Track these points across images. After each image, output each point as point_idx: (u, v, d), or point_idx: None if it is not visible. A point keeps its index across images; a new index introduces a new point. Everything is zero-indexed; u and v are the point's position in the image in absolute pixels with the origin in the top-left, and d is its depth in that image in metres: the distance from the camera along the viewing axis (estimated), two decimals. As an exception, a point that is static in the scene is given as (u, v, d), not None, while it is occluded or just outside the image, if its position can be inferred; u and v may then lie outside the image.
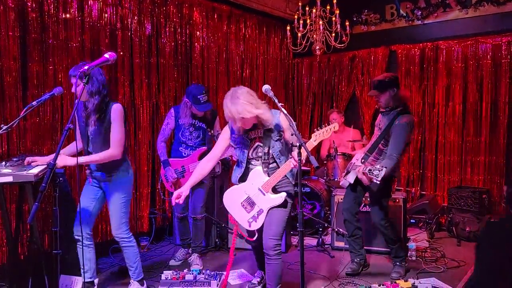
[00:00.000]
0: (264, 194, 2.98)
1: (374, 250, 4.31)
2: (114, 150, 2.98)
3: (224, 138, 3.11)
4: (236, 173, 3.13)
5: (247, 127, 2.95)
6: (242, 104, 2.77)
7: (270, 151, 2.97)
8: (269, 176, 2.98)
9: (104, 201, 3.26)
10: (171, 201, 3.09)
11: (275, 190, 3.01)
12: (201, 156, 3.92)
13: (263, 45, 6.30)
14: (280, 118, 2.96)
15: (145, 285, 3.37)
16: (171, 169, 3.92)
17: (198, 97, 3.75)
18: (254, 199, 3.00)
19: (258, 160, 3.02)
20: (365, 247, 3.98)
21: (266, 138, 2.97)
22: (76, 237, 3.15)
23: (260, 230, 3.06)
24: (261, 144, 3.00)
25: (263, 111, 2.86)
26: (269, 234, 2.97)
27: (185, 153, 3.97)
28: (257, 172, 3.00)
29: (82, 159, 2.96)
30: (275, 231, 2.96)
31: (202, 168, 3.14)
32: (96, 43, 4.21)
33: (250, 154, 3.03)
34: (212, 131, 4.00)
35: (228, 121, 3.01)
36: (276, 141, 2.98)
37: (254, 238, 3.15)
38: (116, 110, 2.98)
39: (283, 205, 3.01)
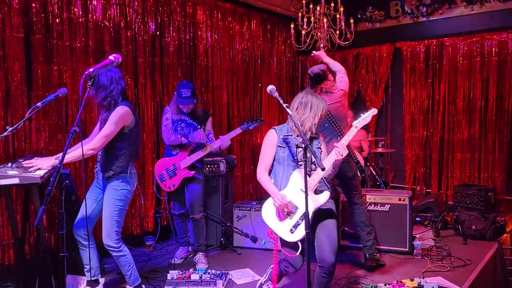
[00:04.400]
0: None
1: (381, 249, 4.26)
2: (92, 144, 2.89)
3: (271, 143, 2.93)
4: (280, 177, 2.91)
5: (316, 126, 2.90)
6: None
7: (312, 157, 2.80)
8: (309, 176, 2.78)
9: None
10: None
11: (316, 192, 2.84)
12: (191, 152, 3.92)
13: (267, 43, 6.28)
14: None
15: None
16: (200, 131, 3.88)
17: (181, 90, 3.83)
18: (296, 202, 2.78)
19: (300, 164, 2.86)
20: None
21: (310, 144, 2.86)
22: (76, 237, 3.11)
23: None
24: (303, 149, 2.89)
25: None
26: (330, 249, 2.73)
27: (174, 152, 3.97)
28: (297, 174, 2.83)
29: (67, 156, 2.70)
30: (334, 245, 2.74)
31: (266, 178, 2.90)
32: (100, 43, 4.21)
33: (297, 155, 2.88)
34: (203, 129, 3.99)
35: (290, 120, 2.86)
36: (317, 148, 2.92)
37: (297, 253, 2.78)
38: (116, 111, 2.92)
39: (332, 212, 2.86)
